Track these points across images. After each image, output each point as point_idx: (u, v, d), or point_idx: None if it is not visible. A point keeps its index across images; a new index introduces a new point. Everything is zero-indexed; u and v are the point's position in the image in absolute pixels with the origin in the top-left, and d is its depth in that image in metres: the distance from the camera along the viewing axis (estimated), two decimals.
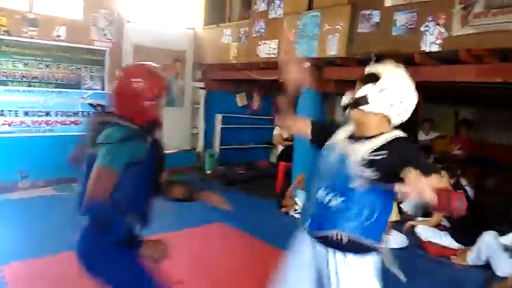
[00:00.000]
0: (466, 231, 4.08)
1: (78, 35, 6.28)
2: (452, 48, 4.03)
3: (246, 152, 8.24)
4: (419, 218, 4.80)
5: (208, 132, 7.89)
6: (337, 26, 5.06)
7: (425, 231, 4.31)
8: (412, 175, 1.32)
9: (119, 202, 1.64)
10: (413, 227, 4.40)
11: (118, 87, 1.81)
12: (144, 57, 7.04)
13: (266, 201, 5.57)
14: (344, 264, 1.71)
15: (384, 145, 1.64)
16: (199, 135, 7.92)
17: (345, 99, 1.84)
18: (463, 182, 4.71)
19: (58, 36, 6.11)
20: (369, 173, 1.60)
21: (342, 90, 3.34)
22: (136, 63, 1.88)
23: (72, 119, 6.32)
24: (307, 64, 5.46)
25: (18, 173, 5.82)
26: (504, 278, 3.50)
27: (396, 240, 4.28)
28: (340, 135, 1.84)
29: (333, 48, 5.10)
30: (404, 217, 4.73)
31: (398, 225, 4.43)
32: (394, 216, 4.39)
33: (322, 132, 1.94)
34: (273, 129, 6.83)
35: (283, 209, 5.21)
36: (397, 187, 1.38)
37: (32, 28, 5.88)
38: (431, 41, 4.16)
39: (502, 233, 3.88)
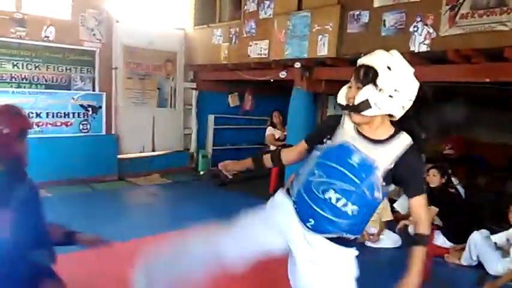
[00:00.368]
0: (458, 230, 4.10)
1: (67, 35, 6.23)
2: (441, 49, 4.06)
3: (239, 153, 8.23)
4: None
5: (200, 133, 7.87)
6: (326, 27, 5.08)
7: None
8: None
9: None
10: (406, 226, 4.43)
11: None
12: (134, 58, 7.04)
13: (260, 201, 5.59)
14: (330, 250, 1.73)
15: (400, 156, 1.63)
16: (191, 135, 7.91)
17: (342, 98, 1.73)
18: (455, 181, 4.74)
19: (46, 36, 6.05)
20: (387, 182, 1.65)
21: (333, 91, 3.37)
22: None
23: (63, 120, 6.27)
24: (298, 64, 5.50)
25: None
26: (496, 277, 3.48)
27: (390, 239, 4.32)
28: (348, 127, 1.71)
29: (323, 48, 5.12)
30: (397, 216, 4.77)
31: (391, 225, 4.46)
32: (387, 215, 4.43)
33: (318, 137, 1.84)
34: (265, 129, 6.84)
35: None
36: None
37: (20, 28, 5.82)
38: (420, 41, 4.19)
39: (493, 231, 3.88)
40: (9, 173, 1.76)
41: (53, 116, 6.15)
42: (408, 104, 1.63)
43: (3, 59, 5.70)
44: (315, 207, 1.69)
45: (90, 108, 6.51)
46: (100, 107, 6.62)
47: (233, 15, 6.99)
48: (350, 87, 1.67)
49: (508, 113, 6.16)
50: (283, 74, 5.95)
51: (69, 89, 6.33)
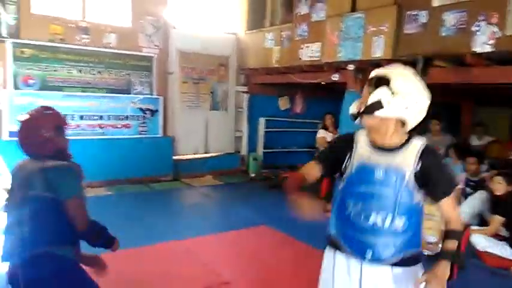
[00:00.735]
0: None
1: (127, 41, 6.58)
2: (507, 48, 3.84)
3: (290, 155, 8.23)
4: (475, 227, 4.55)
5: (251, 136, 7.97)
6: (382, 28, 4.96)
7: (481, 241, 4.08)
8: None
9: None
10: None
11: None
12: (189, 63, 7.27)
13: None
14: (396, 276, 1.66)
15: (419, 156, 1.62)
16: (243, 138, 8.02)
17: (354, 108, 1.74)
18: None
19: (108, 43, 6.42)
20: (418, 184, 1.62)
21: None
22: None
23: (123, 122, 6.61)
24: (351, 67, 5.41)
25: None
26: None
27: None
28: (362, 143, 1.72)
29: (378, 50, 5.00)
30: None
31: None
32: None
33: (331, 155, 1.83)
34: (315, 132, 6.79)
35: (328, 213, 5.14)
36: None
37: (84, 36, 6.22)
38: (483, 41, 3.98)
39: None
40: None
41: (114, 119, 6.51)
42: (420, 115, 1.63)
43: (69, 65, 6.11)
44: (365, 237, 1.65)
45: (148, 111, 6.81)
46: (157, 110, 6.90)
47: (285, 19, 7.02)
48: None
49: None
50: (335, 77, 5.88)
51: (129, 93, 6.67)
